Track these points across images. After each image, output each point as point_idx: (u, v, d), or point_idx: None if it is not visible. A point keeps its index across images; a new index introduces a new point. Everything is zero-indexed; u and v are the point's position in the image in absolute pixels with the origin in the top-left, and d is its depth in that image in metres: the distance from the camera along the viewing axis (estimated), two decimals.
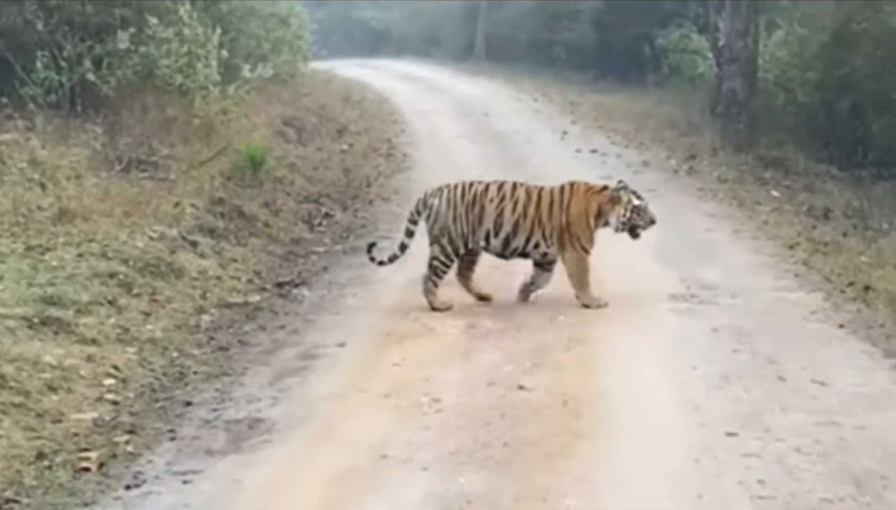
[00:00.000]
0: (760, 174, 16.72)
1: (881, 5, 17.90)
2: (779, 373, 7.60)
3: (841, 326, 8.85)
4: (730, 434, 6.47)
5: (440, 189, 9.66)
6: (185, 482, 6.02)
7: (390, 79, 31.86)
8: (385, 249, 10.12)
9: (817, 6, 20.17)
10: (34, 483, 5.96)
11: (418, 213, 9.69)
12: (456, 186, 9.64)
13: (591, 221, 9.40)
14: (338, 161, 17.22)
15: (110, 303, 8.76)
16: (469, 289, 9.64)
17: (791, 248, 11.73)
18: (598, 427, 6.67)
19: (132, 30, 13.97)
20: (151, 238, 10.36)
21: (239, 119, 15.73)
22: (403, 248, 9.70)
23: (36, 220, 10.24)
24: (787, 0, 21.75)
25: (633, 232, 9.50)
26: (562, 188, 9.58)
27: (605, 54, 30.20)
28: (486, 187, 9.59)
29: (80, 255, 9.47)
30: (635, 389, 7.34)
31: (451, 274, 9.58)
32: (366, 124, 21.95)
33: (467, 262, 9.63)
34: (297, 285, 10.37)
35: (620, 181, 9.71)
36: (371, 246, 9.88)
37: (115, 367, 7.66)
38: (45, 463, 6.17)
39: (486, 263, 9.77)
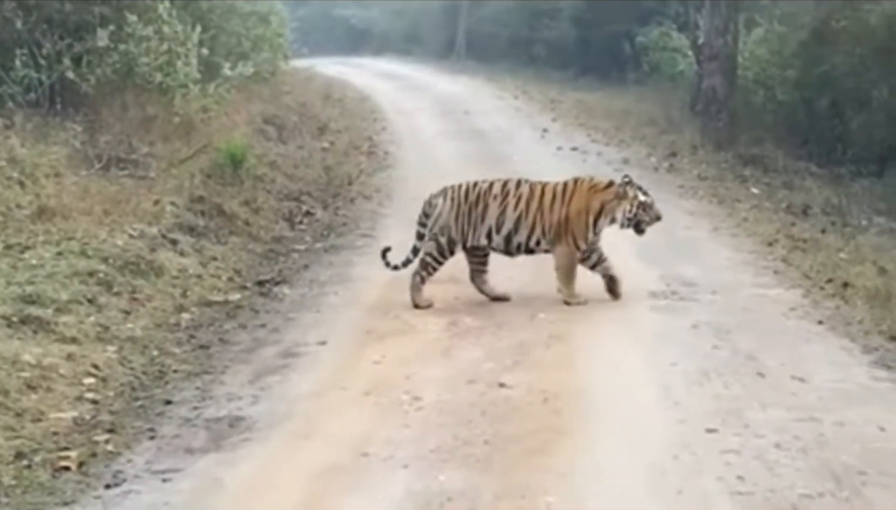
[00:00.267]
0: (740, 171, 16.80)
1: (860, 3, 17.97)
2: (758, 369, 7.62)
3: (820, 323, 8.89)
4: (709, 430, 6.48)
5: (445, 189, 9.66)
6: (164, 481, 6.00)
7: (371, 77, 31.86)
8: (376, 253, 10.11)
9: (797, 4, 20.24)
10: (13, 482, 5.93)
11: (426, 216, 9.66)
12: (460, 186, 9.63)
13: (591, 219, 9.38)
14: (319, 159, 17.21)
15: (90, 301, 8.73)
16: (484, 292, 9.59)
17: (770, 244, 11.78)
18: (578, 424, 6.68)
19: (111, 28, 13.93)
20: (131, 236, 10.32)
21: (219, 117, 15.71)
22: (416, 251, 9.64)
23: (15, 219, 10.20)
24: None
25: (638, 228, 9.49)
26: (565, 184, 9.58)
27: (585, 52, 30.28)
28: (490, 185, 9.58)
29: (59, 254, 9.44)
30: (615, 386, 7.35)
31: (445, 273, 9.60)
32: (347, 122, 21.95)
33: (477, 264, 9.60)
34: (277, 283, 10.36)
35: (626, 176, 9.67)
36: (385, 251, 9.80)
37: (95, 366, 7.64)
38: (25, 462, 6.14)
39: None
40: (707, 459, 6.08)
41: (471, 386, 7.32)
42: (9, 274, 8.86)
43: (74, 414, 6.89)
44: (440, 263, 9.52)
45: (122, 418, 6.94)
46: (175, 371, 7.86)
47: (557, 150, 18.46)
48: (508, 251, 9.57)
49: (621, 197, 9.39)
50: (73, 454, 6.29)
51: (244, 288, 10.16)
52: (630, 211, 9.38)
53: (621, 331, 8.67)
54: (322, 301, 9.76)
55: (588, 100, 25.03)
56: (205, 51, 15.45)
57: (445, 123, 22.16)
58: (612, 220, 9.43)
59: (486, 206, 9.45)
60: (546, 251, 9.51)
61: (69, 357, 7.64)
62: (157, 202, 11.45)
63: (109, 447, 6.46)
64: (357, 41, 45.62)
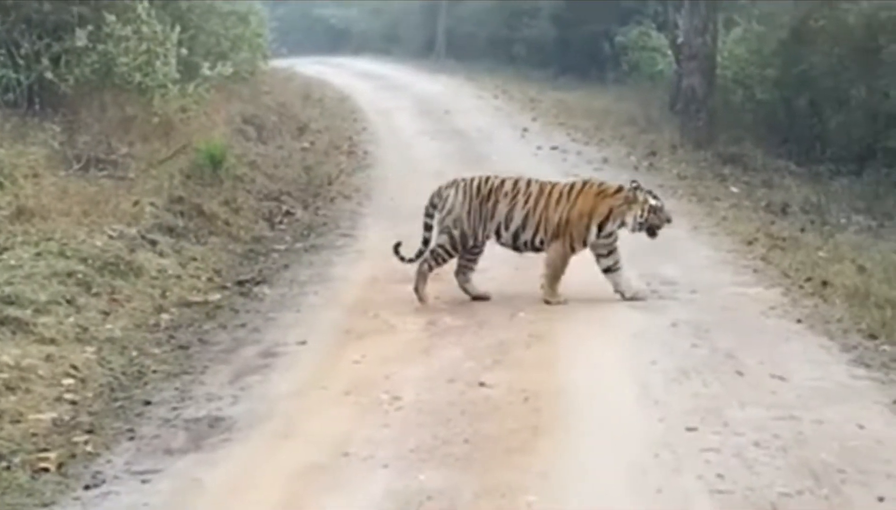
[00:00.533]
0: (719, 170, 16.87)
1: (838, 3, 18.07)
2: (737, 367, 7.64)
3: (799, 321, 8.92)
4: (689, 429, 6.49)
5: (455, 182, 9.70)
6: (144, 481, 5.98)
7: (351, 77, 31.84)
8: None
9: (775, 4, 20.33)
10: None
11: (433, 207, 9.68)
12: (472, 180, 9.67)
13: (594, 223, 9.41)
14: (298, 159, 17.19)
15: (69, 302, 8.69)
16: (465, 289, 9.63)
17: (749, 243, 11.82)
18: (559, 423, 6.69)
19: (90, 28, 13.86)
20: (110, 237, 10.29)
21: (198, 117, 15.66)
22: (425, 242, 9.67)
23: None
24: None
25: (652, 232, 9.53)
26: (573, 186, 9.63)
27: (564, 51, 30.35)
28: (502, 182, 9.63)
29: (38, 254, 9.39)
30: (595, 385, 7.35)
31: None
32: (326, 122, 21.93)
33: (467, 260, 9.64)
34: (257, 283, 10.34)
35: (634, 181, 9.71)
36: (398, 245, 9.77)
37: (74, 367, 7.60)
38: (4, 463, 6.11)
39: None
40: (687, 458, 6.09)
41: (451, 385, 7.32)
42: None
43: (53, 415, 6.85)
44: (451, 256, 9.58)
45: (102, 419, 6.91)
46: (154, 371, 7.84)
47: (537, 150, 18.48)
48: (517, 247, 9.66)
49: (632, 201, 9.41)
50: (52, 455, 6.26)
51: (224, 288, 10.14)
52: (641, 215, 9.40)
53: (601, 330, 8.68)
54: (302, 301, 9.74)
55: (568, 99, 25.08)
56: (184, 50, 15.43)
57: (425, 123, 22.16)
58: (622, 224, 9.45)
59: (496, 202, 9.51)
60: None
61: (48, 358, 7.61)
62: (136, 202, 11.41)
63: (89, 448, 6.43)
64: (336, 41, 45.58)
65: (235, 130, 17.21)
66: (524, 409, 6.87)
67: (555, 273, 9.43)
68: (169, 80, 14.69)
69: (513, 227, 9.51)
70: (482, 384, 7.31)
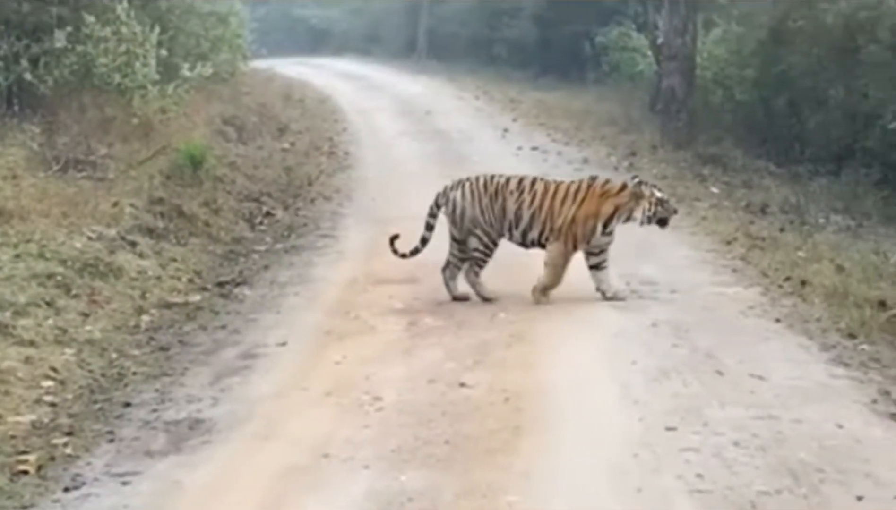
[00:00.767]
0: (699, 171, 16.90)
1: (816, 3, 18.10)
2: (717, 367, 7.66)
3: (778, 321, 8.94)
4: (669, 428, 6.51)
5: (461, 182, 9.73)
6: (124, 483, 5.97)
7: (331, 77, 31.81)
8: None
9: (754, 4, 20.37)
10: None
11: (438, 207, 9.71)
12: (478, 179, 9.71)
13: (599, 224, 9.45)
14: (279, 160, 17.17)
15: (48, 304, 8.67)
16: (448, 287, 9.65)
17: (729, 243, 11.85)
18: (539, 423, 6.69)
19: (69, 29, 13.85)
20: (90, 238, 10.26)
21: (178, 118, 15.63)
22: (424, 241, 9.70)
23: None
24: None
25: (662, 223, 9.63)
26: (578, 185, 9.65)
27: (545, 52, 30.37)
28: (507, 180, 9.67)
29: (17, 256, 9.37)
30: (576, 385, 7.37)
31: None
32: (307, 123, 21.90)
33: (458, 258, 9.66)
34: (238, 284, 10.33)
35: (635, 176, 9.80)
36: (394, 238, 9.80)
37: (54, 369, 7.59)
38: None
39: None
40: (666, 457, 6.11)
41: (431, 386, 7.33)
42: None
43: (33, 417, 6.84)
44: (488, 255, 9.62)
45: (81, 421, 6.89)
46: (134, 373, 7.82)
47: (518, 150, 18.49)
48: (524, 245, 9.69)
49: (639, 197, 9.47)
50: (31, 457, 6.24)
51: (204, 289, 10.12)
52: (650, 209, 9.48)
53: (581, 331, 8.69)
54: (282, 302, 9.74)
55: (548, 99, 25.10)
56: (163, 51, 15.39)
57: (406, 124, 22.16)
58: (628, 219, 9.50)
59: (504, 201, 9.55)
60: None
61: (27, 360, 7.59)
62: (115, 204, 11.39)
63: (68, 450, 6.42)
64: (317, 41, 45.52)
65: (215, 131, 17.20)
66: (505, 410, 6.88)
67: (555, 273, 9.44)
68: (148, 81, 14.66)
69: (521, 226, 9.55)
70: (463, 385, 7.31)
